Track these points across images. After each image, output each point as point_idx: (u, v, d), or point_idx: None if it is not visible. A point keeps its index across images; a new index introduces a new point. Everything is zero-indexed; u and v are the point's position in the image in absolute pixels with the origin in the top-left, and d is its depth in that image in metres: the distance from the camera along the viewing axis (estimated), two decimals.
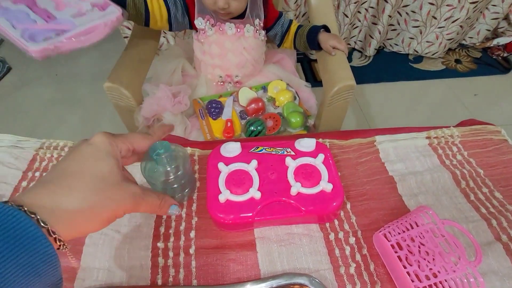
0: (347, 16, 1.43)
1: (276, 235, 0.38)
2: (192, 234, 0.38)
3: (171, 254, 0.36)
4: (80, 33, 0.51)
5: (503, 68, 1.53)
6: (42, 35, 0.49)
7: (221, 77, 0.84)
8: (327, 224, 0.39)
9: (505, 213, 0.39)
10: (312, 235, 0.38)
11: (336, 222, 0.40)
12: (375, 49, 1.55)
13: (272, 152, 0.42)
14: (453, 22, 1.41)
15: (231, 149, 0.41)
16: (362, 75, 1.47)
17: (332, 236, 0.38)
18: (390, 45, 1.61)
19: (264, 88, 0.85)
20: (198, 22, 0.75)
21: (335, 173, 0.39)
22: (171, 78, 0.84)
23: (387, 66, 1.55)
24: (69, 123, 1.37)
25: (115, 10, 0.56)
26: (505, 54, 1.54)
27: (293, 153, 0.41)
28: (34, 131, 1.32)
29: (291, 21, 0.83)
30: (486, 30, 1.54)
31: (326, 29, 0.78)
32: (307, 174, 0.39)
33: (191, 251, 0.37)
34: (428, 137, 0.48)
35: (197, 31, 0.78)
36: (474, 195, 0.41)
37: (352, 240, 0.38)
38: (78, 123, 1.38)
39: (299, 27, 0.82)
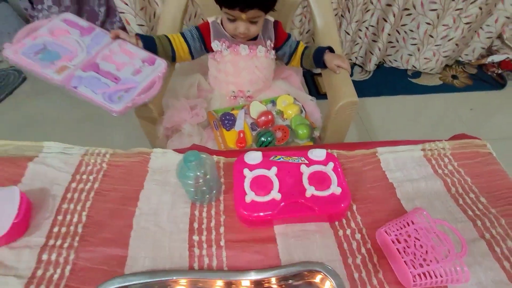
0: (348, 34, 1.54)
1: (292, 231, 0.45)
2: (222, 229, 0.45)
3: (204, 245, 0.43)
4: (145, 88, 0.62)
5: (497, 84, 1.62)
6: (116, 95, 0.59)
7: (234, 92, 0.92)
8: (336, 223, 0.46)
9: (488, 215, 0.46)
10: (323, 231, 0.45)
11: (344, 221, 0.47)
12: (375, 64, 1.64)
13: (289, 161, 0.49)
14: (449, 40, 1.51)
15: (254, 157, 0.49)
16: (363, 89, 1.55)
17: (341, 233, 0.45)
18: (390, 61, 1.70)
19: (273, 102, 0.93)
20: (215, 44, 0.84)
21: (343, 179, 0.47)
22: (188, 92, 0.92)
23: (387, 81, 1.64)
24: (82, 132, 1.44)
25: (162, 63, 0.68)
26: (499, 71, 1.64)
27: (306, 162, 0.49)
28: (47, 139, 1.39)
29: (298, 42, 0.92)
30: (481, 48, 1.64)
31: (331, 49, 0.87)
32: (319, 180, 0.46)
33: (221, 243, 0.44)
34: (423, 149, 0.56)
35: (212, 51, 0.87)
36: (462, 200, 0.49)
37: (358, 236, 0.45)
38: (90, 132, 1.45)
39: (305, 48, 0.91)
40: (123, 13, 1.32)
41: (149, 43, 0.75)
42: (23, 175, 0.50)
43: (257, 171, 0.47)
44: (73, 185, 0.50)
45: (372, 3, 1.43)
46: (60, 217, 0.46)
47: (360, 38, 1.58)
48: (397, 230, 0.42)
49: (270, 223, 0.46)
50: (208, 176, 0.45)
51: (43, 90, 1.67)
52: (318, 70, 0.94)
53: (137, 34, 0.75)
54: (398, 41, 1.60)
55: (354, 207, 0.48)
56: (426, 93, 1.58)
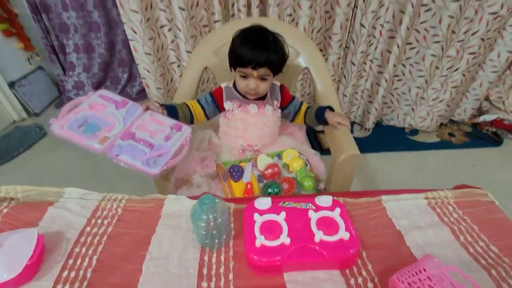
0: (346, 96, 1.67)
1: (303, 279, 0.45)
2: (230, 276, 0.45)
3: None
4: (175, 153, 0.71)
5: (494, 142, 1.68)
6: (152, 159, 0.66)
7: (242, 146, 0.98)
8: (347, 271, 0.46)
9: (502, 264, 0.46)
10: (334, 280, 0.44)
11: (355, 268, 0.46)
12: (374, 122, 1.74)
13: (297, 206, 0.51)
14: (439, 102, 1.63)
15: (263, 203, 0.51)
16: (364, 145, 1.61)
17: (352, 281, 0.44)
18: (387, 120, 1.81)
19: (279, 156, 0.97)
20: (227, 105, 0.93)
21: (351, 224, 0.48)
22: (199, 146, 0.98)
23: (386, 138, 1.71)
24: (93, 184, 1.47)
25: (187, 129, 0.78)
26: (494, 129, 1.72)
27: (314, 207, 0.51)
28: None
29: (301, 103, 1.01)
30: (471, 108, 1.75)
31: (331, 108, 0.95)
32: (327, 224, 0.47)
33: None
34: (426, 198, 0.57)
35: (223, 110, 0.96)
36: (472, 248, 0.48)
37: (370, 285, 0.44)
38: (102, 182, 1.48)
39: (308, 107, 1.00)
40: (145, 78, 1.48)
41: (172, 111, 0.86)
42: (41, 219, 0.52)
43: (267, 216, 0.49)
44: (88, 229, 0.52)
45: (365, 71, 1.60)
46: (71, 261, 0.47)
47: (357, 99, 1.71)
48: (410, 277, 0.41)
49: (279, 270, 0.45)
50: (219, 220, 0.46)
51: (59, 145, 1.76)
52: (320, 127, 1.01)
53: (161, 105, 0.85)
54: (392, 102, 1.73)
55: (364, 254, 0.48)
56: (425, 150, 1.63)
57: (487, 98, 1.75)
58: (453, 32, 1.44)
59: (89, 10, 1.80)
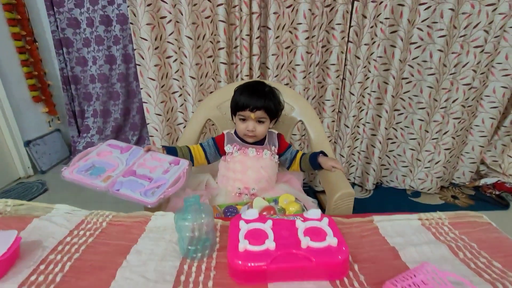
0: (343, 156, 1.73)
1: None
2: (210, 284, 0.41)
3: None
4: (172, 183, 0.75)
5: (501, 205, 1.62)
6: (150, 191, 0.71)
7: (239, 189, 0.98)
8: (338, 282, 0.42)
9: (508, 278, 0.41)
10: None
11: (346, 280, 0.42)
12: (373, 183, 1.74)
13: (285, 218, 0.50)
14: (436, 163, 1.66)
15: (250, 213, 0.50)
16: (366, 206, 1.58)
17: None
18: (387, 181, 1.81)
19: (275, 201, 0.96)
20: (227, 148, 0.99)
21: (339, 232, 0.46)
22: (196, 188, 0.99)
23: (388, 200, 1.68)
24: None
25: (185, 162, 0.85)
26: (497, 192, 1.68)
27: (301, 219, 0.49)
28: None
29: (297, 151, 1.07)
30: (470, 171, 1.77)
31: (324, 153, 1.00)
32: (315, 232, 0.45)
33: None
34: (420, 219, 0.55)
35: (224, 154, 1.00)
36: (474, 264, 0.45)
37: None
38: None
39: (303, 154, 1.04)
40: (152, 136, 1.59)
41: (172, 151, 0.92)
42: (24, 229, 0.51)
43: (252, 224, 0.48)
44: (68, 239, 0.50)
45: (359, 133, 1.70)
46: (42, 267, 0.44)
47: (355, 161, 1.76)
48: (404, 281, 0.38)
49: (264, 279, 0.41)
50: (203, 220, 0.45)
51: (58, 200, 1.76)
52: (320, 188, 1.02)
53: (163, 146, 0.93)
54: (390, 164, 1.77)
55: (356, 267, 0.44)
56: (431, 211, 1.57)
57: (483, 162, 1.79)
58: (435, 100, 1.59)
59: (112, 82, 2.07)
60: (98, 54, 2.04)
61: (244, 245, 0.43)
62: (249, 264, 0.41)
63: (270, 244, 0.43)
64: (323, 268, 0.42)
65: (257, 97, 0.90)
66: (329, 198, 0.86)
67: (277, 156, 1.03)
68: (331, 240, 0.43)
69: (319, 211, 0.51)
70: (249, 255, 0.42)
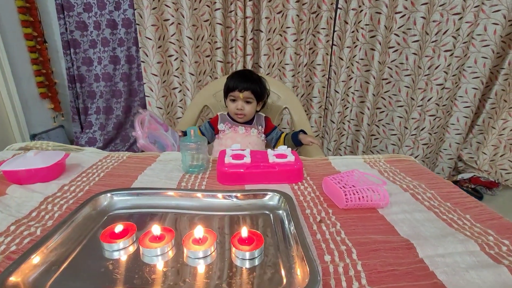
0: (330, 150, 1.95)
1: (259, 187, 0.61)
2: (204, 183, 0.62)
3: (189, 187, 0.59)
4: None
5: (476, 197, 1.83)
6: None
7: None
8: (294, 185, 0.63)
9: (411, 184, 0.63)
10: (284, 186, 0.61)
11: (300, 184, 0.63)
12: None
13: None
14: (415, 157, 1.88)
15: (235, 147, 0.71)
16: None
17: (296, 187, 0.61)
18: None
19: None
20: (220, 126, 1.21)
21: (297, 156, 0.67)
22: None
23: None
24: None
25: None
26: (473, 186, 1.90)
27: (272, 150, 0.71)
28: None
29: (282, 132, 1.29)
30: (448, 167, 1.99)
31: (304, 132, 1.22)
32: (280, 155, 0.67)
33: (202, 187, 0.59)
34: (363, 158, 0.77)
35: (217, 133, 1.22)
36: (394, 179, 0.66)
37: (309, 189, 0.60)
38: None
39: (286, 134, 1.27)
40: None
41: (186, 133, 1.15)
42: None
43: (236, 151, 0.69)
44: (99, 163, 0.71)
45: (344, 129, 1.93)
46: (84, 175, 0.65)
47: (341, 155, 1.98)
48: (336, 178, 0.59)
49: (242, 181, 0.62)
50: (199, 143, 0.66)
51: None
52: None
53: (181, 131, 1.14)
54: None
55: (308, 178, 0.65)
56: None
57: (461, 159, 2.01)
58: (412, 99, 1.84)
59: (115, 81, 2.32)
60: (103, 55, 2.30)
61: (229, 159, 0.64)
62: (231, 170, 0.62)
63: (247, 159, 0.65)
64: (283, 174, 0.63)
65: (245, 81, 1.13)
66: None
67: (263, 135, 1.25)
68: (290, 157, 0.65)
69: (285, 146, 0.72)
70: (232, 165, 0.63)
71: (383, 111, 1.93)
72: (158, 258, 0.41)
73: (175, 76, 1.84)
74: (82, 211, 0.47)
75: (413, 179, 0.65)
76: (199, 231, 0.42)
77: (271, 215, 0.51)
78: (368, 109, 1.86)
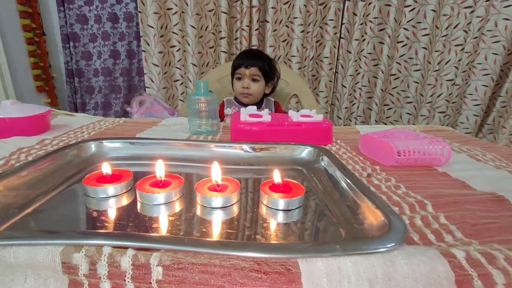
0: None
1: None
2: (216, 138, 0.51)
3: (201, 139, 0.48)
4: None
5: None
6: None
7: None
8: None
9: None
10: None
11: (330, 145, 0.52)
12: None
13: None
14: None
15: (250, 109, 0.60)
16: None
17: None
18: None
19: None
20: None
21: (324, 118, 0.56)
22: None
23: None
24: None
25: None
26: None
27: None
28: None
29: None
30: None
31: None
32: (305, 115, 0.56)
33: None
34: (395, 128, 0.66)
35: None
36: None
37: (343, 149, 0.49)
38: None
39: None
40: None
41: None
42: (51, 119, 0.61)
43: (253, 112, 0.58)
44: (91, 125, 0.59)
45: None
46: (71, 133, 0.53)
47: None
48: (378, 134, 0.48)
49: (261, 140, 0.51)
50: (209, 97, 0.55)
51: None
52: None
53: None
54: None
55: (339, 141, 0.54)
56: None
57: None
58: (421, 95, 1.76)
59: (115, 76, 2.22)
60: (103, 49, 2.20)
61: (245, 117, 0.53)
62: (248, 128, 0.51)
63: (266, 118, 0.53)
64: (310, 133, 0.51)
65: (251, 58, 1.04)
66: None
67: None
68: (317, 117, 0.54)
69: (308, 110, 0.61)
70: (250, 123, 0.52)
71: (391, 108, 1.84)
72: (162, 208, 0.29)
73: (177, 68, 1.75)
74: (61, 153, 0.35)
75: (461, 144, 0.55)
76: (216, 170, 0.31)
77: (304, 170, 0.40)
78: (376, 105, 1.77)
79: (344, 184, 0.32)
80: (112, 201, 0.30)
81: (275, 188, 0.31)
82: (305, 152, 0.43)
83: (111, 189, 0.30)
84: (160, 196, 0.29)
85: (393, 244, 0.20)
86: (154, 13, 1.55)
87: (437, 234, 0.25)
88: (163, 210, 0.29)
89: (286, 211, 0.29)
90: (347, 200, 0.29)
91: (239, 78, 1.05)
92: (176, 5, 1.56)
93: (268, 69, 1.05)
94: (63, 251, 0.19)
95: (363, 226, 0.25)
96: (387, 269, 0.19)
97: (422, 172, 0.40)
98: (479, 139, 0.59)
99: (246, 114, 0.55)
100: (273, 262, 0.19)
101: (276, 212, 0.29)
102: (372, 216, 0.25)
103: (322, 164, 0.39)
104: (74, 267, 0.19)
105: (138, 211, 0.28)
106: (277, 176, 0.31)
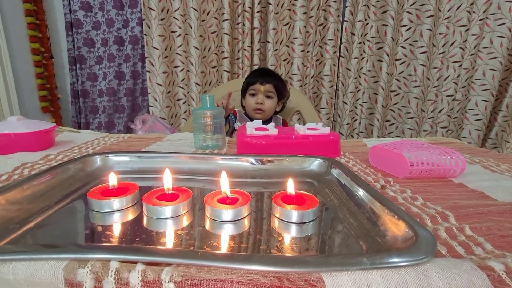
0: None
1: None
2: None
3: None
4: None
5: None
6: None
7: None
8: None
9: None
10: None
11: (338, 158, 0.50)
12: None
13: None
14: None
15: (256, 123, 0.60)
16: None
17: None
18: None
19: None
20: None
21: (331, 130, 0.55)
22: None
23: None
24: None
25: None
26: None
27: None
28: None
29: None
30: None
31: None
32: (311, 128, 0.55)
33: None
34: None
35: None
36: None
37: (353, 161, 0.48)
38: None
39: None
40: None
41: None
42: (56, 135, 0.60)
43: (259, 126, 0.57)
44: (96, 141, 0.58)
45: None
46: (76, 148, 0.52)
47: None
48: (389, 145, 0.47)
49: (264, 150, 0.50)
50: (216, 113, 0.54)
51: None
52: None
53: None
54: None
55: (347, 154, 0.53)
56: None
57: None
58: (422, 110, 1.76)
59: (119, 96, 2.24)
60: (108, 70, 2.25)
61: (251, 131, 0.52)
62: (255, 141, 0.50)
63: (272, 131, 0.52)
64: (318, 146, 0.50)
65: (266, 75, 1.05)
66: None
67: None
68: (324, 130, 0.53)
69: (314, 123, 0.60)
70: (256, 136, 0.51)
71: (393, 123, 1.84)
72: (169, 222, 0.27)
73: (180, 87, 1.77)
74: (65, 167, 0.34)
75: (473, 155, 0.53)
76: (225, 181, 0.29)
77: (314, 182, 0.38)
78: (378, 120, 1.77)
79: (360, 195, 0.30)
80: (117, 216, 0.28)
81: (287, 199, 0.29)
82: (315, 164, 0.41)
83: (116, 202, 0.28)
84: (167, 209, 0.27)
85: (423, 257, 0.18)
86: (159, 35, 1.59)
87: (465, 247, 0.23)
88: (170, 224, 0.27)
89: (300, 223, 0.27)
90: (365, 212, 0.28)
91: (253, 94, 1.05)
92: (180, 28, 1.61)
93: (281, 87, 1.06)
94: (66, 266, 0.17)
95: (386, 239, 0.23)
96: (420, 284, 0.17)
97: (438, 183, 0.38)
98: (489, 150, 0.58)
99: (253, 127, 0.54)
100: (295, 277, 0.17)
101: (289, 226, 0.27)
102: (395, 228, 0.23)
103: (334, 175, 0.38)
104: (78, 285, 0.17)
105: (145, 225, 0.27)
106: (291, 186, 0.29)
